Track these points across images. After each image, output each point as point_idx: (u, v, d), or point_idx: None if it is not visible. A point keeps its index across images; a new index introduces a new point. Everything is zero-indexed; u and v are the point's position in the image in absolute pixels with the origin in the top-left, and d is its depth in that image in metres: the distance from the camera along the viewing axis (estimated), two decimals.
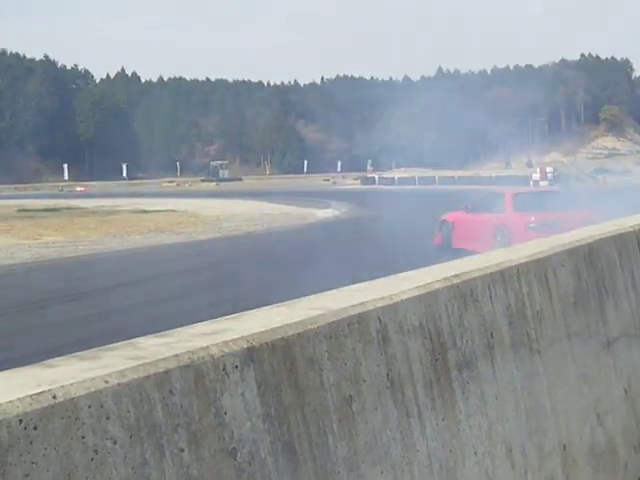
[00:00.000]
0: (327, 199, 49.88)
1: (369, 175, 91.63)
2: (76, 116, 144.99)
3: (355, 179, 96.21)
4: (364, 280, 3.49)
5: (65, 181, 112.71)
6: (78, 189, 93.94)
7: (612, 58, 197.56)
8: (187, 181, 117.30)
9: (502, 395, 3.69)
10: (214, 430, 2.22)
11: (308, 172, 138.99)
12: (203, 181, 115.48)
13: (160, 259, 19.66)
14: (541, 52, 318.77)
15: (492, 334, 3.71)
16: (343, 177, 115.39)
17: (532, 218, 19.00)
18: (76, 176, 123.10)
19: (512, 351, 3.86)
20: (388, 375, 2.96)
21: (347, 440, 2.70)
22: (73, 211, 43.23)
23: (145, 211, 41.10)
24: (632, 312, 5.53)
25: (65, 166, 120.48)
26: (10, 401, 1.81)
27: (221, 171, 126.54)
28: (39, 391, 1.87)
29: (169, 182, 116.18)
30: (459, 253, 15.16)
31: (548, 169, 70.23)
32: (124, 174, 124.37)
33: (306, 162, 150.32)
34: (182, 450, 2.12)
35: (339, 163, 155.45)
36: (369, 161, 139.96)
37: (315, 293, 3.16)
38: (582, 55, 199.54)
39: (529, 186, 57.84)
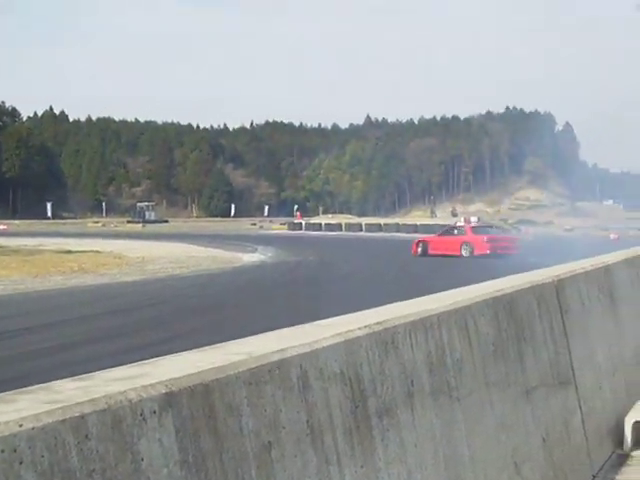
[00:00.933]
0: (254, 243, 49.92)
1: (296, 220, 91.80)
2: (1, 154, 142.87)
3: (282, 224, 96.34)
4: (284, 325, 3.49)
5: None
6: (0, 227, 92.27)
7: (536, 111, 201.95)
8: (113, 222, 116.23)
9: (421, 443, 3.71)
10: (130, 476, 2.19)
11: (235, 216, 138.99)
12: (129, 222, 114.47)
13: (81, 301, 19.38)
14: (467, 103, 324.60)
15: (412, 382, 3.73)
16: (270, 221, 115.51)
17: (485, 237, 38.39)
18: None
19: (432, 399, 3.89)
20: (308, 422, 2.96)
21: None
22: None
23: (69, 251, 40.57)
24: (550, 362, 5.62)
25: None
26: None
27: (147, 212, 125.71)
28: None
29: (95, 222, 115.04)
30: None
31: (473, 219, 71.29)
32: (49, 213, 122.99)
33: (233, 206, 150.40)
34: None
35: (266, 207, 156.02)
36: (295, 206, 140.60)
37: (235, 338, 3.15)
38: (507, 107, 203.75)
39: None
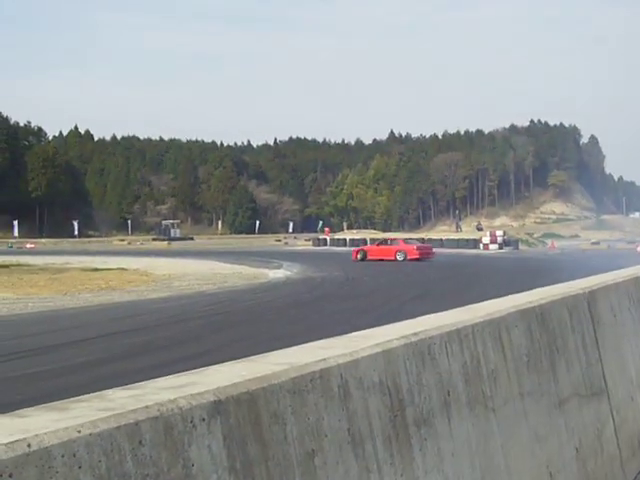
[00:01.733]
0: (279, 260, 49.97)
1: (324, 236, 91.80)
2: (27, 173, 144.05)
3: (307, 240, 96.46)
4: (309, 340, 3.55)
5: (15, 238, 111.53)
6: (28, 246, 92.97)
7: (560, 124, 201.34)
8: (139, 240, 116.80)
9: (458, 452, 3.75)
10: None
11: (260, 232, 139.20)
12: (154, 240, 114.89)
13: (111, 317, 19.50)
14: (491, 117, 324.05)
15: (449, 392, 3.78)
16: (295, 238, 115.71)
17: (415, 246, 52.14)
18: (26, 233, 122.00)
19: (468, 409, 3.93)
20: (349, 430, 3.02)
21: None
22: (23, 268, 42.80)
23: (96, 269, 40.83)
24: (582, 372, 5.64)
25: (15, 223, 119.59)
26: None
27: (173, 230, 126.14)
28: (13, 440, 1.91)
29: (120, 240, 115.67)
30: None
31: (498, 233, 71.22)
32: (75, 232, 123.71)
33: (258, 222, 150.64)
34: None
35: (291, 224, 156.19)
36: (320, 222, 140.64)
37: (264, 352, 3.21)
38: (531, 121, 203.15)
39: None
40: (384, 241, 57.63)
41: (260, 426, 2.58)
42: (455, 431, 3.76)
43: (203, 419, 2.37)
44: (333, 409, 2.95)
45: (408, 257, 50.09)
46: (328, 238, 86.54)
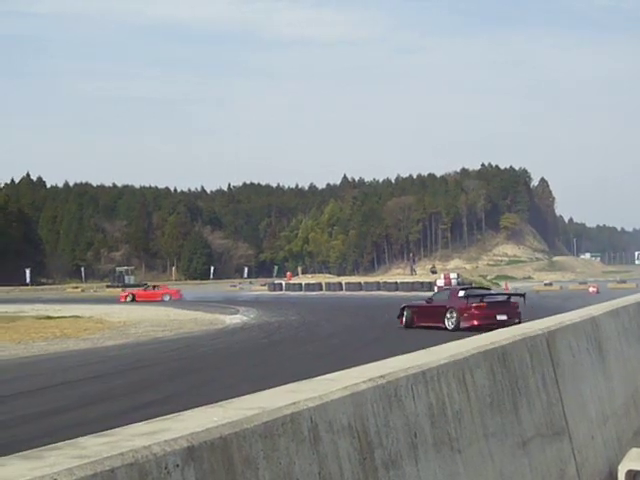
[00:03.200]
0: (235, 305, 49.80)
1: (278, 281, 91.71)
2: None
3: (262, 285, 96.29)
4: (271, 386, 3.55)
5: None
6: None
7: (511, 167, 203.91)
8: (92, 287, 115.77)
9: None
10: None
11: (215, 278, 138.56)
12: (108, 287, 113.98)
13: (66, 366, 19.25)
14: (443, 161, 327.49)
15: (416, 433, 3.80)
16: (250, 283, 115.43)
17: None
18: None
19: (434, 450, 3.95)
20: (320, 474, 3.03)
21: None
22: None
23: (50, 317, 40.34)
24: (544, 412, 5.69)
25: None
26: None
27: (127, 277, 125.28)
28: None
29: (74, 287, 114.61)
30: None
31: (452, 275, 71.60)
32: (27, 279, 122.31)
33: (213, 268, 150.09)
34: None
35: (246, 269, 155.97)
36: (275, 267, 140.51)
37: (223, 399, 3.20)
38: (482, 164, 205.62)
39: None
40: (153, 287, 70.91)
41: (233, 472, 2.59)
42: (422, 473, 3.78)
43: (177, 465, 2.37)
44: (304, 453, 2.96)
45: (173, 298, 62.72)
46: (284, 283, 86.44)
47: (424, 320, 27.42)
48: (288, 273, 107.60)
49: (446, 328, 25.70)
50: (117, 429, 2.56)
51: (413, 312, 28.12)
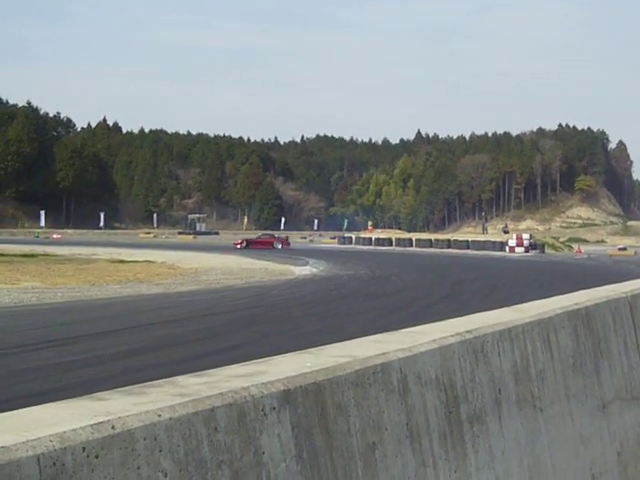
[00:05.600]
0: (304, 257, 49.94)
1: (348, 235, 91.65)
2: (56, 163, 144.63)
3: (332, 238, 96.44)
4: (343, 338, 3.55)
5: (41, 228, 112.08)
6: (54, 236, 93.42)
7: (588, 129, 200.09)
8: (164, 233, 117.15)
9: (508, 451, 3.76)
10: (253, 469, 2.28)
11: (285, 229, 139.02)
12: (180, 233, 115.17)
13: (138, 309, 19.58)
14: (519, 120, 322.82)
15: (500, 390, 3.79)
16: (320, 235, 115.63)
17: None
18: (53, 223, 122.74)
19: (517, 408, 3.94)
20: (407, 424, 3.04)
21: None
22: (50, 258, 43.02)
23: (123, 261, 40.96)
24: (624, 377, 5.63)
25: (42, 213, 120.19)
26: (73, 429, 1.87)
27: (198, 224, 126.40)
28: (98, 421, 1.93)
29: (146, 233, 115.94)
30: None
31: (524, 236, 70.94)
32: (101, 223, 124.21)
33: (283, 219, 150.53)
34: None
35: (316, 221, 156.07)
36: (345, 221, 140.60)
37: (298, 347, 3.21)
38: (559, 125, 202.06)
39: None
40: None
41: (326, 417, 2.61)
42: (505, 429, 3.77)
43: (274, 408, 2.39)
44: (393, 403, 2.97)
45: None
46: (354, 237, 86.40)
47: None
48: (369, 226, 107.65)
49: None
50: (214, 370, 2.59)
51: None
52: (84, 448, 1.85)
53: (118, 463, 1.92)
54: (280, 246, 67.98)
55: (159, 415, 2.06)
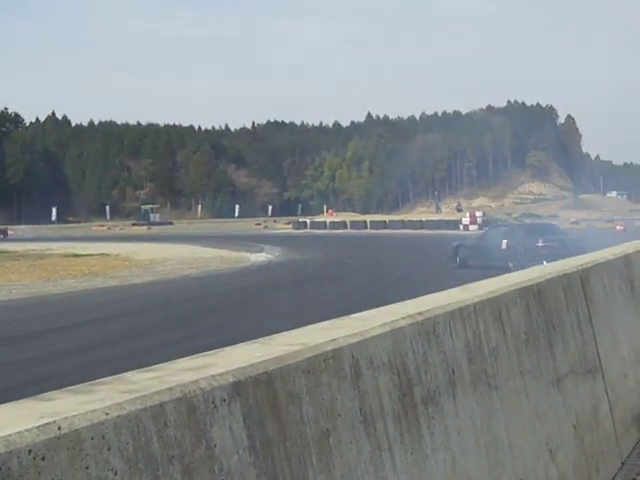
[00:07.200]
0: (260, 243, 49.90)
1: (302, 219, 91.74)
2: (5, 159, 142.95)
3: (287, 223, 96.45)
4: (299, 323, 3.55)
5: None
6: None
7: (537, 104, 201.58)
8: (118, 225, 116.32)
9: (464, 430, 3.78)
10: (205, 462, 2.27)
11: (239, 216, 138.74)
12: (134, 225, 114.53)
13: (96, 303, 19.45)
14: (468, 98, 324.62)
15: (453, 370, 3.80)
16: (274, 221, 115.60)
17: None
18: (5, 219, 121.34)
19: (472, 387, 3.95)
20: (361, 410, 3.03)
21: (325, 473, 2.76)
22: (3, 255, 42.56)
23: (77, 255, 40.66)
24: (578, 350, 5.68)
25: None
26: (18, 432, 1.84)
27: (152, 215, 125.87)
28: (44, 422, 1.90)
29: (100, 226, 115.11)
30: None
31: (478, 213, 71.41)
32: (53, 217, 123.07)
33: (237, 206, 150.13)
34: None
35: (270, 207, 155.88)
36: (299, 206, 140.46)
37: (254, 336, 3.20)
38: (508, 101, 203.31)
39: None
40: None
41: (278, 407, 2.59)
42: (460, 409, 3.79)
43: (224, 400, 2.37)
44: (345, 389, 2.97)
45: None
46: (308, 221, 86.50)
47: None
48: (330, 210, 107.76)
49: None
50: (163, 364, 2.56)
51: None
52: (30, 451, 1.82)
53: (65, 464, 1.89)
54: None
55: (107, 413, 2.03)
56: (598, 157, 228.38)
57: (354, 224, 79.51)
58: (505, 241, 25.99)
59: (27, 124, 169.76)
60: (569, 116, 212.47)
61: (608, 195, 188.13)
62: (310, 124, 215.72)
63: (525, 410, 4.56)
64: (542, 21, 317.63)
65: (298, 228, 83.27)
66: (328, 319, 3.59)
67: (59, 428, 1.91)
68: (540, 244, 24.66)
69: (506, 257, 25.11)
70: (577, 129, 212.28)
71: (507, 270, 23.09)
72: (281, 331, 3.27)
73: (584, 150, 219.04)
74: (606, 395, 6.02)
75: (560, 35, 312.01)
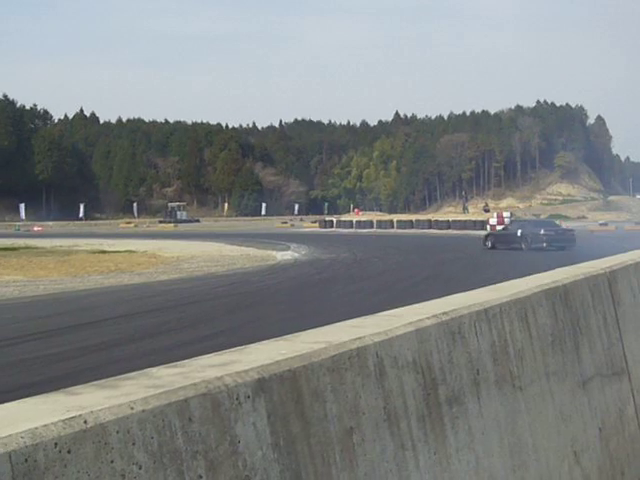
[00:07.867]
0: (286, 241, 49.93)
1: (329, 218, 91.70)
2: (34, 156, 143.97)
3: (313, 222, 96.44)
4: (325, 321, 3.55)
5: (22, 221, 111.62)
6: (35, 229, 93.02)
7: (567, 105, 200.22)
8: (145, 222, 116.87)
9: (488, 431, 3.77)
10: (229, 458, 2.28)
11: (266, 214, 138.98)
12: (161, 222, 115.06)
13: (121, 299, 19.53)
14: (497, 98, 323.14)
15: (478, 370, 3.80)
16: (301, 220, 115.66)
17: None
18: (33, 216, 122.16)
19: (496, 388, 3.95)
20: (385, 408, 3.04)
21: (348, 471, 2.76)
22: (31, 251, 42.86)
23: (104, 251, 40.90)
24: (604, 352, 5.65)
25: (22, 206, 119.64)
26: (45, 425, 1.86)
27: (179, 212, 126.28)
28: (70, 416, 1.93)
29: (127, 223, 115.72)
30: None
31: (505, 214, 71.08)
32: (81, 214, 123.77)
33: (264, 204, 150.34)
34: (200, 477, 2.17)
35: (296, 206, 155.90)
36: (325, 204, 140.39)
37: (281, 333, 3.20)
38: (537, 102, 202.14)
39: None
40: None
41: (302, 404, 2.60)
42: (485, 410, 3.78)
43: (248, 396, 2.38)
44: (370, 387, 2.97)
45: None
46: (335, 220, 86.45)
47: None
48: (356, 210, 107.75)
49: None
50: (188, 360, 2.58)
51: None
52: (56, 444, 1.85)
53: (91, 457, 1.91)
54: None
55: (132, 408, 2.05)
56: (628, 159, 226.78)
57: (381, 223, 79.38)
58: (520, 230, 38.54)
59: (55, 121, 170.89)
60: (599, 117, 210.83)
61: (637, 197, 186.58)
62: (338, 123, 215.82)
63: (550, 412, 4.55)
64: (574, 21, 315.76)
65: (324, 227, 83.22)
66: (351, 318, 3.60)
67: (85, 422, 1.93)
68: (542, 232, 37.58)
69: (520, 240, 37.61)
70: (607, 130, 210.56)
71: (521, 250, 36.34)
72: (304, 329, 3.28)
73: (614, 151, 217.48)
74: (632, 398, 5.98)
75: (592, 35, 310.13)
